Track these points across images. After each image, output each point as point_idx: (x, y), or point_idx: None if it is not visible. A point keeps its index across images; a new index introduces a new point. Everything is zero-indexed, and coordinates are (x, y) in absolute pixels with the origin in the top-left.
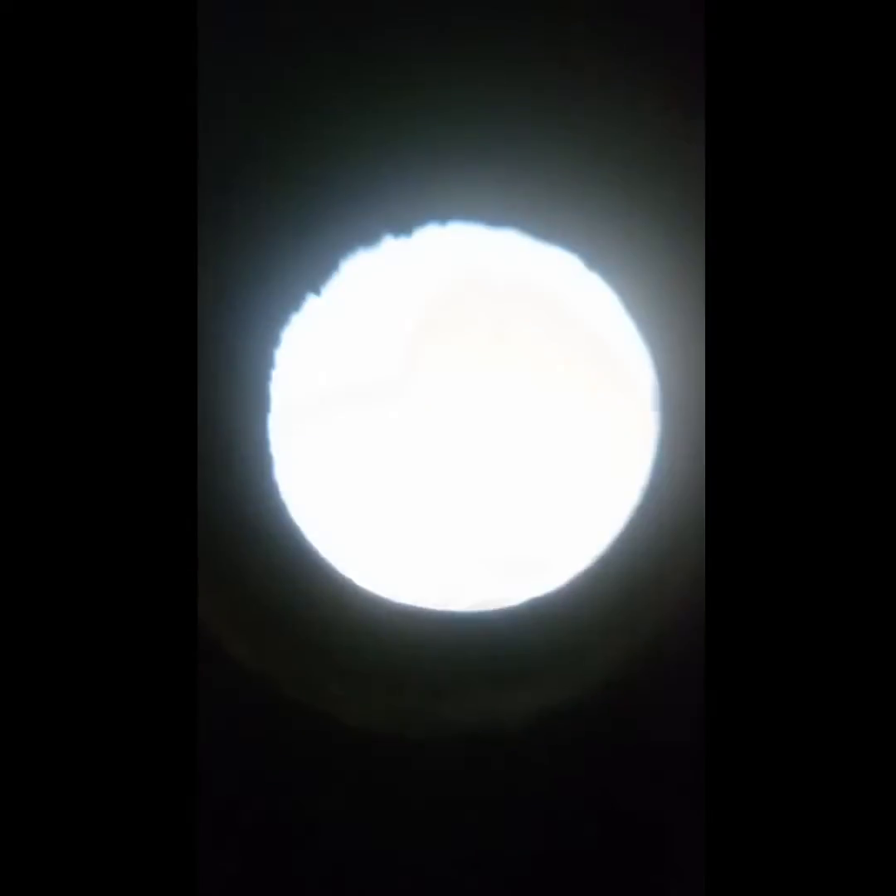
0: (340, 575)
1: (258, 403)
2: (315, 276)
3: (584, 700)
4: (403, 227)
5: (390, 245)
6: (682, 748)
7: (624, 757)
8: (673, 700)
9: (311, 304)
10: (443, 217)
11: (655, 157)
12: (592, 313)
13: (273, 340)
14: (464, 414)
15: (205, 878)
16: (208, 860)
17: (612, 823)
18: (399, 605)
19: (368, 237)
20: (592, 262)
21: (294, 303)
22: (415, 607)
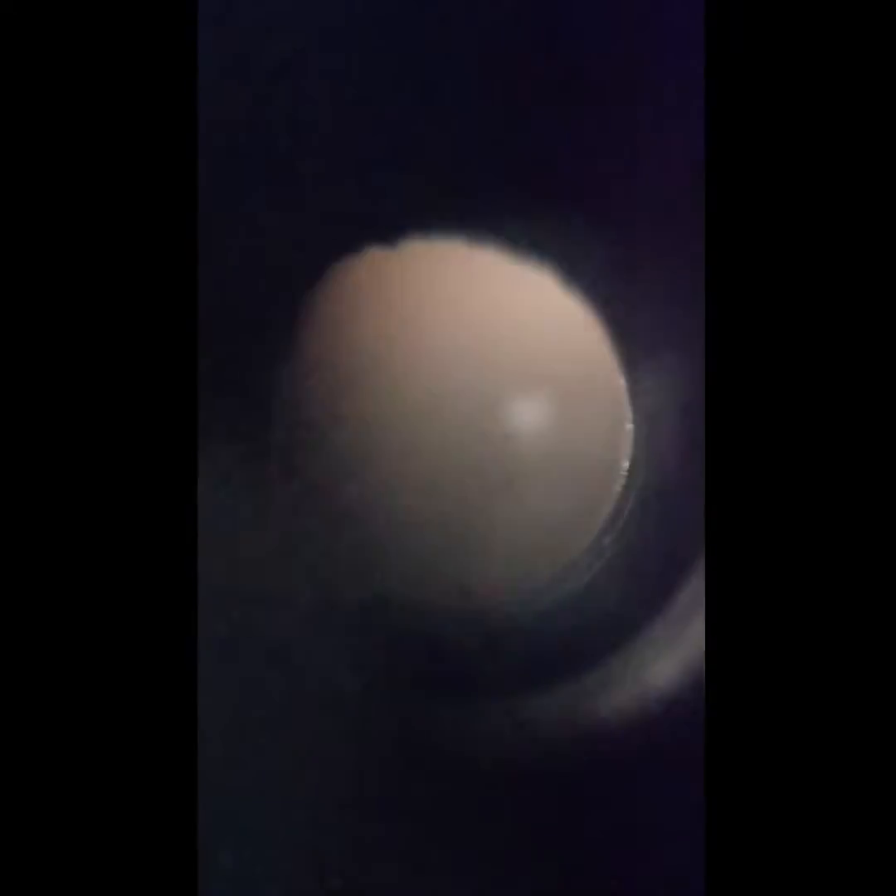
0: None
1: (237, 397)
2: (300, 280)
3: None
4: (388, 236)
5: (375, 254)
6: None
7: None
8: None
9: (298, 305)
10: (426, 228)
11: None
12: (575, 332)
13: (259, 341)
14: (450, 417)
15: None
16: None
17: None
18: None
19: (353, 244)
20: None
21: (281, 306)
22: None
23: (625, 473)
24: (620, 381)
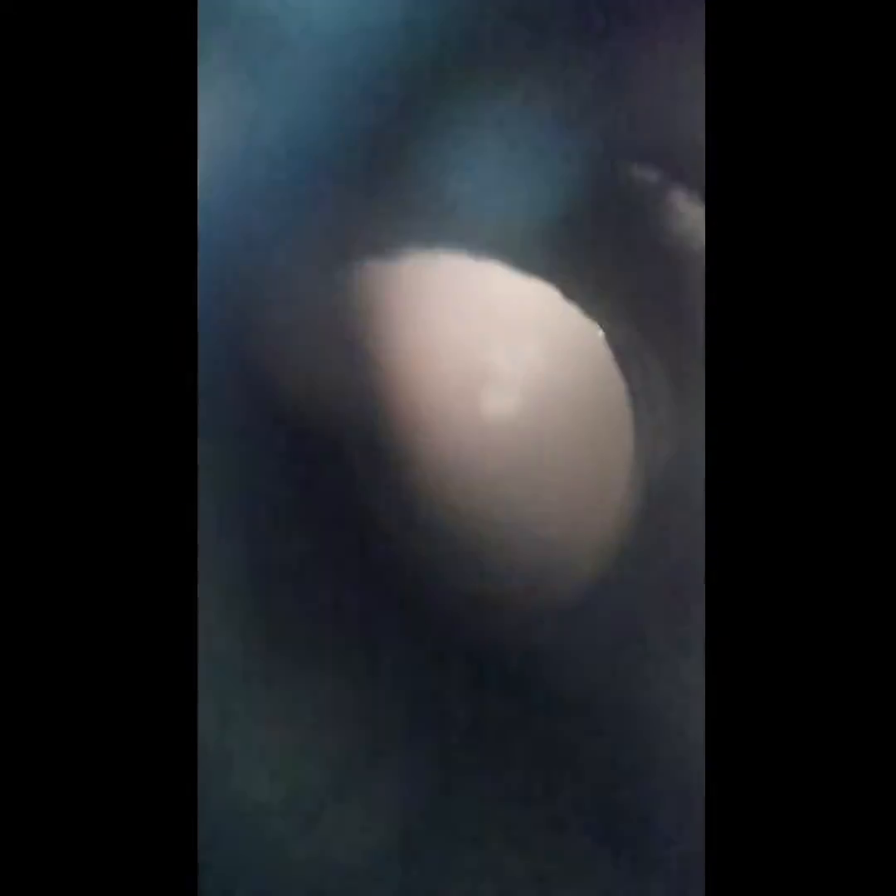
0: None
1: (234, 411)
2: (302, 288)
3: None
4: (390, 246)
5: (376, 265)
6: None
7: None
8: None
9: (297, 313)
10: (429, 241)
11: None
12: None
13: (258, 347)
14: (448, 420)
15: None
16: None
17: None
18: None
19: (355, 255)
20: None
21: (280, 313)
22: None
23: (627, 476)
24: (622, 384)
